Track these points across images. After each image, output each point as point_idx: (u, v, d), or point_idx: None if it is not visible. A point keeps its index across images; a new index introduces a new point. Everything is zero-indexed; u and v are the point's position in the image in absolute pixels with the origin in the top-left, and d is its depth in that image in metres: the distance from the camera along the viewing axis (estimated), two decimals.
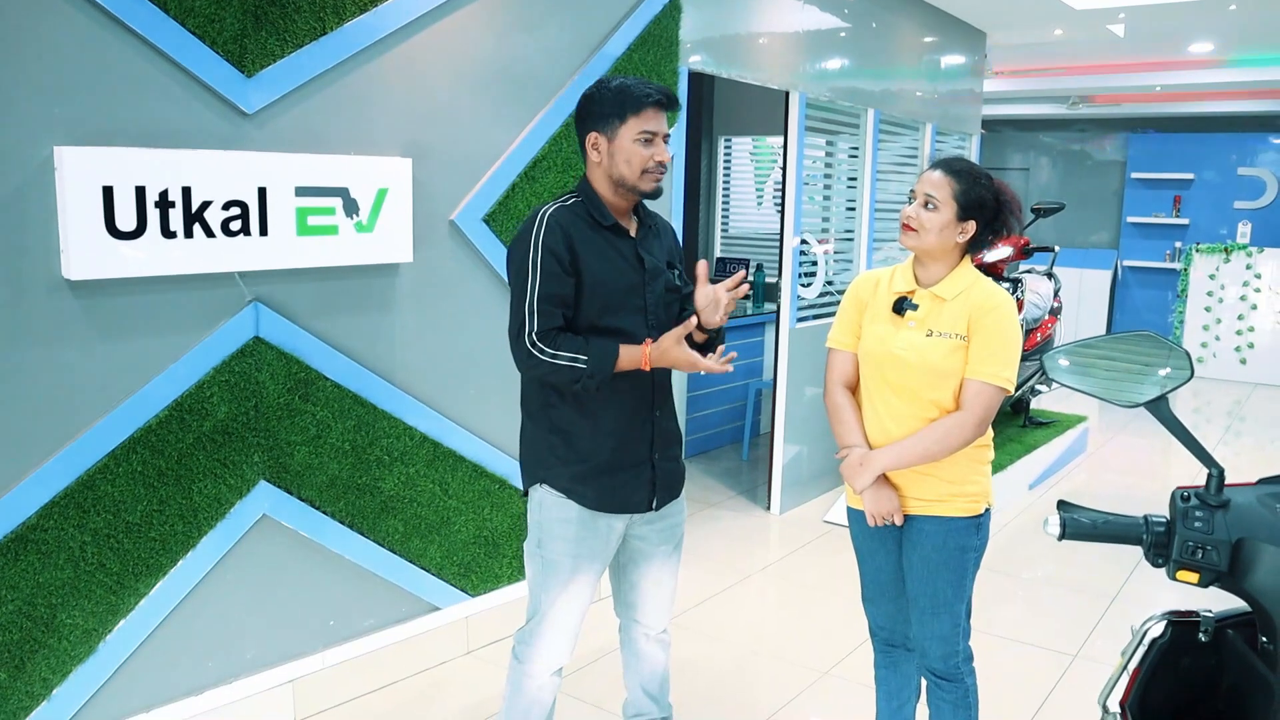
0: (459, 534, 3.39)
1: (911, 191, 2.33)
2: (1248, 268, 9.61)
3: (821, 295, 5.35)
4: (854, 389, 2.44)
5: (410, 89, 3.05)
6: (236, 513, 2.78)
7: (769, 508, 5.22)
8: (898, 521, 2.35)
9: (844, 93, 5.19)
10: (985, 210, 2.30)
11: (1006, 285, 5.45)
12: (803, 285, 5.15)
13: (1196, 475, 1.45)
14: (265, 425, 2.81)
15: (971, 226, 2.29)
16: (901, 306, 2.32)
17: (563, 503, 2.25)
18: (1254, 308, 9.61)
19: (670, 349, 2.15)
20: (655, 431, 2.31)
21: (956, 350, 2.26)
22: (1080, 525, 1.46)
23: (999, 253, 5.47)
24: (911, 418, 2.30)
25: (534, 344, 2.12)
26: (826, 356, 2.49)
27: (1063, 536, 1.47)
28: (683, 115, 4.04)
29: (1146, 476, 6.31)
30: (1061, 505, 1.52)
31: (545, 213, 2.20)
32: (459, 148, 3.22)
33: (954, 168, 2.30)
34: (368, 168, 2.90)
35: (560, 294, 2.14)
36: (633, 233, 2.29)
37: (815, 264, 5.27)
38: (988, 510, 2.39)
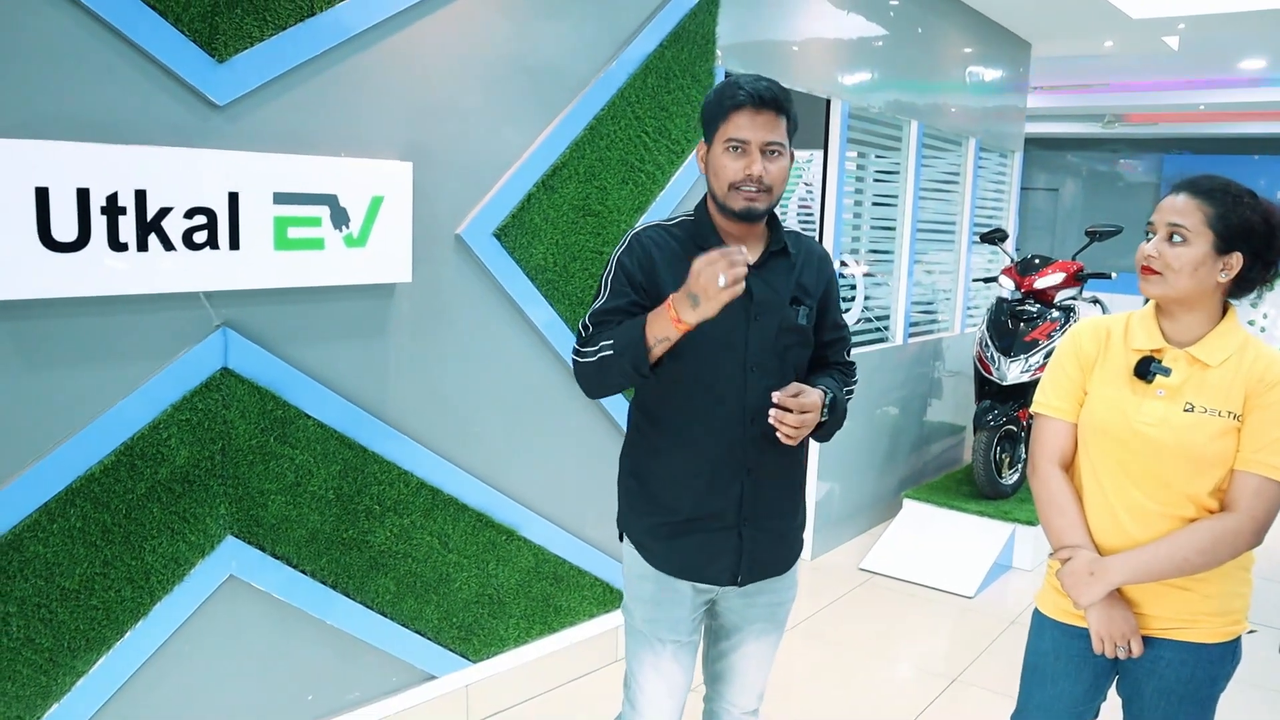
0: (459, 592, 2.96)
1: (1149, 225, 1.83)
2: None
3: (859, 321, 4.94)
4: (1069, 468, 1.95)
5: (412, 82, 2.65)
6: (198, 574, 2.36)
7: None
8: (1136, 651, 1.84)
9: (887, 103, 4.79)
10: (1253, 238, 1.78)
11: (1058, 315, 5.03)
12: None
13: None
14: (234, 472, 2.39)
15: (1236, 261, 1.78)
16: (1148, 370, 1.82)
17: (638, 559, 2.04)
18: None
19: (697, 274, 1.67)
20: (747, 493, 1.95)
21: (1228, 433, 1.77)
22: None
23: (1050, 279, 5.07)
24: (1158, 515, 1.82)
25: (576, 352, 1.92)
26: (1034, 425, 1.98)
27: None
28: None
29: None
30: None
31: (634, 231, 2.01)
32: (467, 151, 2.82)
33: (1203, 187, 1.79)
34: (360, 172, 2.50)
35: (622, 313, 1.90)
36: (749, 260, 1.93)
37: (854, 287, 4.85)
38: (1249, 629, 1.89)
